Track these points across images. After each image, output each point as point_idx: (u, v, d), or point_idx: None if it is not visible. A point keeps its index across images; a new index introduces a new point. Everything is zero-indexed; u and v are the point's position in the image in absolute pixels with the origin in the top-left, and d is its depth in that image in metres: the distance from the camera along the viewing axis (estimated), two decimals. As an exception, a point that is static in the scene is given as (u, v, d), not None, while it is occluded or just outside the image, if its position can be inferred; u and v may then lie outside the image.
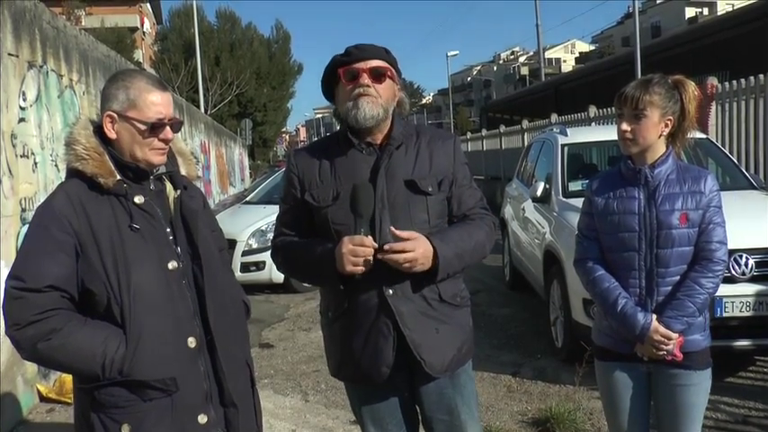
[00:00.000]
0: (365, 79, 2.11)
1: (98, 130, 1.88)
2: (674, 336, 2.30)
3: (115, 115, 1.85)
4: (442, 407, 2.28)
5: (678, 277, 2.34)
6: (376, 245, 2.02)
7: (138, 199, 1.85)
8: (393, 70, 2.18)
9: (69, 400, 4.53)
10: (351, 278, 2.07)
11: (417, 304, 2.15)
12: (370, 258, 2.01)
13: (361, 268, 2.02)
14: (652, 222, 2.35)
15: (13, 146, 4.65)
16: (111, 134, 1.86)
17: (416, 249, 2.01)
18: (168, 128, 1.88)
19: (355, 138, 2.17)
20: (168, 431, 1.81)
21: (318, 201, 2.19)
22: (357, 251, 2.00)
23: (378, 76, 2.13)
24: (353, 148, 2.18)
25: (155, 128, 1.85)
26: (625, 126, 2.34)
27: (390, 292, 2.12)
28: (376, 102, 2.12)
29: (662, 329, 2.30)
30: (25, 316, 1.72)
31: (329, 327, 2.33)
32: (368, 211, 2.05)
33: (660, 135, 2.35)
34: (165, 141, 1.89)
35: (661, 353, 2.32)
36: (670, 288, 2.34)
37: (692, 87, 2.37)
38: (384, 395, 2.29)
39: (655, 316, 2.33)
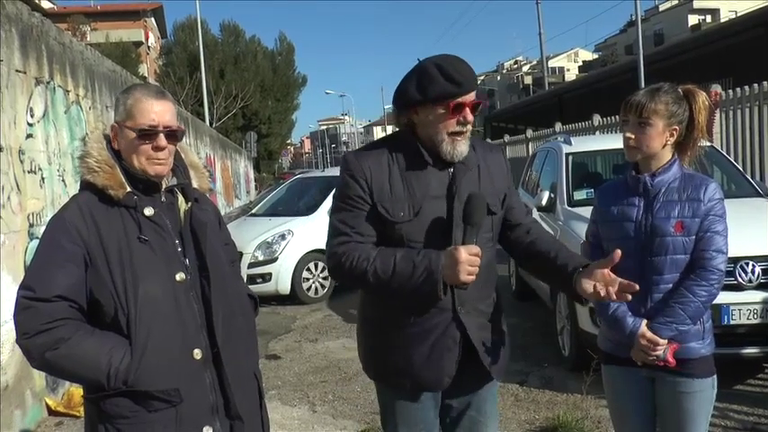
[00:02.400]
0: (470, 116, 2.09)
1: (109, 144, 1.92)
2: (662, 342, 2.30)
3: (117, 126, 1.90)
4: (473, 405, 2.33)
5: (672, 285, 2.35)
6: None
7: (148, 211, 1.87)
8: None
9: (78, 414, 4.55)
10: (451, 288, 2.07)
11: (481, 318, 2.23)
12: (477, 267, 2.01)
13: (472, 278, 1.99)
14: (647, 229, 2.36)
15: (21, 161, 4.69)
16: (115, 145, 1.90)
17: None
18: (162, 136, 1.87)
19: (430, 156, 2.13)
20: None
21: (393, 215, 2.10)
22: (473, 261, 1.98)
23: (475, 110, 2.11)
24: (428, 163, 2.14)
25: (145, 135, 1.86)
26: (629, 133, 2.35)
27: (461, 309, 2.15)
28: (467, 138, 2.13)
29: (648, 335, 2.31)
30: (34, 325, 1.75)
31: (382, 335, 2.25)
32: (481, 219, 2.05)
33: (665, 144, 2.36)
34: (158, 149, 1.87)
35: (651, 358, 2.33)
36: (663, 295, 2.35)
37: (702, 97, 2.37)
38: (422, 401, 2.28)
39: (645, 321, 2.33)
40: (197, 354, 1.87)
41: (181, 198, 1.98)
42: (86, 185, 1.88)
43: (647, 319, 2.34)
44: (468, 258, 1.97)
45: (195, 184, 2.04)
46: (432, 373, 2.19)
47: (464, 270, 1.96)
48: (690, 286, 2.31)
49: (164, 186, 1.94)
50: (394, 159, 2.15)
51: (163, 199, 1.93)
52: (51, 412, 4.78)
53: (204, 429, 1.87)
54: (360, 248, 2.10)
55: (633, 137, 2.34)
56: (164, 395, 1.80)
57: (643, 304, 2.37)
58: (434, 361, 2.17)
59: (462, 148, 2.10)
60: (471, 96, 2.07)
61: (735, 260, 4.15)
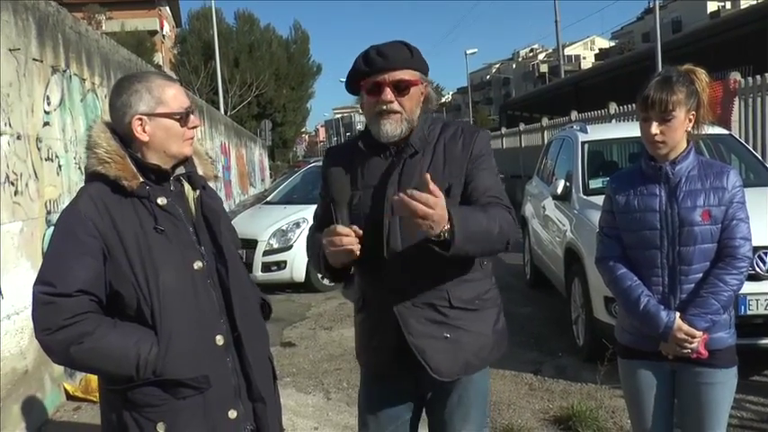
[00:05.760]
0: (388, 95, 2.03)
1: (113, 134, 1.88)
2: (698, 334, 2.28)
3: (145, 117, 1.86)
4: (441, 404, 2.24)
5: (701, 274, 2.32)
6: (351, 231, 1.94)
7: (161, 200, 1.86)
8: (419, 74, 2.08)
9: (95, 399, 4.60)
10: (346, 272, 2.12)
11: (424, 311, 2.10)
12: (350, 246, 1.93)
13: (343, 258, 1.98)
14: (674, 219, 2.33)
15: (38, 149, 4.73)
16: (144, 137, 1.86)
17: (436, 205, 1.80)
18: (192, 115, 1.93)
19: (371, 145, 2.13)
20: (201, 427, 1.84)
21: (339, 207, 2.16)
22: (333, 241, 1.95)
23: (401, 89, 2.04)
24: (373, 152, 2.15)
25: (183, 118, 1.89)
26: (655, 129, 2.30)
27: (395, 298, 2.09)
28: (399, 119, 2.06)
29: (686, 327, 2.28)
30: (56, 321, 1.73)
31: (355, 316, 2.36)
32: (342, 197, 2.00)
33: (685, 130, 2.34)
34: (195, 127, 1.93)
35: (685, 351, 2.31)
36: (693, 285, 2.32)
37: (703, 75, 2.36)
38: (388, 387, 2.27)
39: (678, 314, 2.31)
40: (219, 339, 1.88)
41: (187, 186, 1.98)
42: (96, 176, 1.85)
43: (678, 311, 2.32)
44: (328, 240, 1.96)
45: (200, 172, 2.03)
46: (376, 358, 2.23)
47: (328, 253, 2.00)
48: (720, 275, 2.29)
49: (173, 175, 1.94)
50: (352, 152, 2.19)
51: (172, 188, 1.93)
52: (69, 397, 4.85)
53: (229, 413, 1.88)
54: (311, 234, 2.31)
55: (659, 132, 2.30)
56: (194, 382, 1.81)
57: (673, 296, 2.34)
58: (377, 347, 2.20)
59: (388, 128, 2.06)
60: (392, 75, 2.03)
61: (753, 249, 4.10)
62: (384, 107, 2.04)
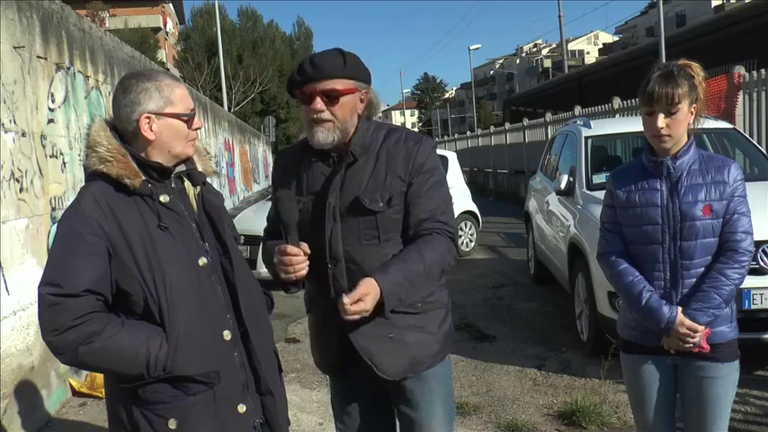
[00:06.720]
0: (318, 104, 2.08)
1: (112, 131, 1.88)
2: (701, 328, 2.28)
3: (153, 116, 1.85)
4: (403, 400, 2.27)
5: (703, 269, 2.32)
6: (303, 251, 2.02)
7: (164, 198, 1.86)
8: (353, 82, 2.11)
9: (101, 395, 4.62)
10: (295, 283, 2.14)
11: (373, 314, 2.11)
12: (299, 265, 2.03)
13: (292, 276, 2.05)
14: (675, 214, 2.33)
15: (43, 146, 4.75)
16: (150, 135, 1.85)
17: (366, 302, 1.96)
18: (196, 117, 1.94)
19: (316, 151, 2.16)
20: (212, 422, 1.85)
21: None
22: (284, 260, 2.03)
23: (332, 98, 2.08)
24: (318, 158, 2.18)
25: (190, 119, 1.90)
26: (661, 122, 2.30)
27: (338, 300, 2.11)
28: (331, 127, 2.10)
29: (687, 322, 2.28)
30: (64, 321, 1.72)
31: (307, 315, 2.45)
32: (291, 220, 2.04)
33: (688, 124, 2.34)
34: (197, 129, 1.94)
35: (687, 345, 2.31)
36: (695, 280, 2.32)
37: (699, 69, 2.36)
38: (355, 389, 2.33)
39: (680, 309, 2.31)
40: (227, 335, 1.89)
41: (188, 183, 1.98)
42: (97, 175, 1.84)
43: (679, 305, 2.32)
44: (278, 260, 2.05)
45: (199, 168, 2.03)
46: (322, 357, 2.36)
47: (279, 270, 2.07)
48: (722, 269, 2.29)
49: (174, 172, 1.94)
50: (299, 157, 2.24)
51: (173, 185, 1.93)
52: (75, 393, 4.87)
53: (239, 407, 1.90)
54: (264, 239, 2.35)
55: (665, 125, 2.30)
56: (205, 378, 1.82)
57: (675, 290, 2.35)
58: (323, 346, 2.32)
59: (320, 135, 2.10)
60: (323, 85, 2.07)
61: (757, 244, 4.10)
62: (315, 116, 2.10)
